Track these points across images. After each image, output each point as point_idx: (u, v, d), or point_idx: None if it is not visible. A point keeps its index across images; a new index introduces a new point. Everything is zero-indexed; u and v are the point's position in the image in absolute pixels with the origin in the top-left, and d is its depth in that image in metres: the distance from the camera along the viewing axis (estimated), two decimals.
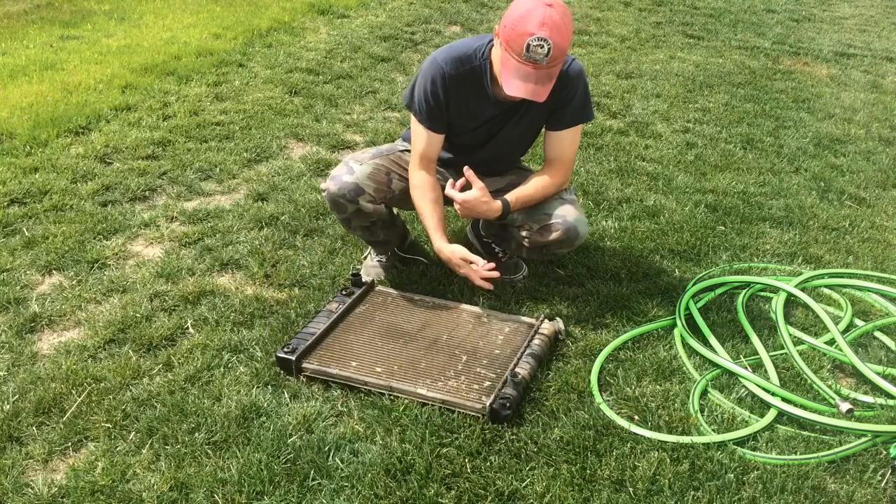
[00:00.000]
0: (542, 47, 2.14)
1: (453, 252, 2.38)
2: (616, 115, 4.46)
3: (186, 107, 4.35)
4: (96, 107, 4.30)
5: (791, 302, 2.64)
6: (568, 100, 2.42)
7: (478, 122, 2.48)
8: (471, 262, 2.35)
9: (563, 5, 2.20)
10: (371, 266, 2.77)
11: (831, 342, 2.41)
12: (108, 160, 3.71)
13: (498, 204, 2.41)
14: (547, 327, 2.40)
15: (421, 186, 2.46)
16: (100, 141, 3.87)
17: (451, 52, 2.40)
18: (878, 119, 4.57)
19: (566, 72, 2.38)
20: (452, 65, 2.37)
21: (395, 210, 2.72)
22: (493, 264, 2.35)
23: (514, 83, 2.20)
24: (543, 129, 2.54)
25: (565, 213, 2.46)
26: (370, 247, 2.80)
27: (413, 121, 2.48)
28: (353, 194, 2.45)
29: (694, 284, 2.69)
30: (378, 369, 2.23)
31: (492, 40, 2.38)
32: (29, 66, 5.01)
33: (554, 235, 2.46)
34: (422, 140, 2.46)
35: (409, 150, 2.63)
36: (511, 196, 2.44)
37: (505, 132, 2.51)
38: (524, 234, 2.54)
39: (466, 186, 2.40)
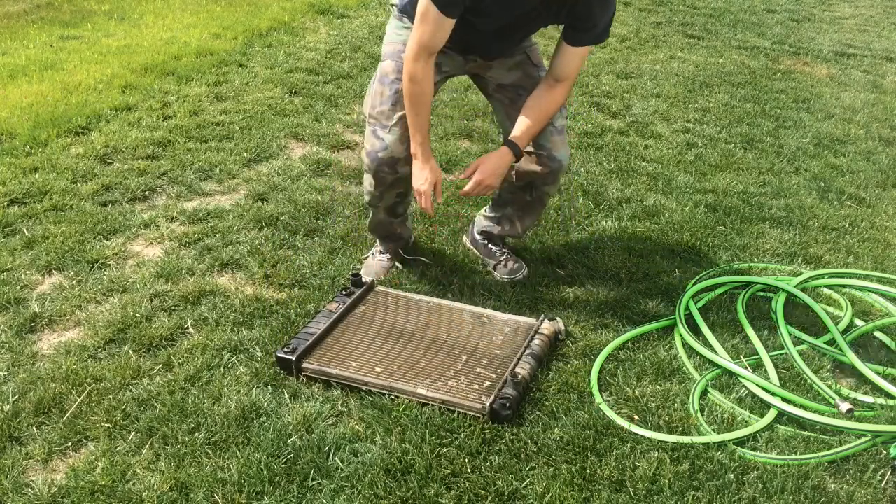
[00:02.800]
0: None
1: (436, 174, 2.37)
2: (616, 115, 4.46)
3: (186, 107, 4.34)
4: (96, 107, 4.30)
5: (791, 302, 2.64)
6: (597, 20, 2.25)
7: (513, 10, 2.23)
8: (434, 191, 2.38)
9: None
10: (371, 266, 2.78)
11: (831, 342, 2.41)
12: (108, 160, 3.71)
13: (505, 150, 2.40)
14: (547, 327, 2.40)
15: (421, 83, 2.25)
16: (100, 141, 3.87)
17: None
18: (878, 119, 4.56)
19: None
20: None
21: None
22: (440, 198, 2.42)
23: None
24: (559, 41, 2.35)
25: (552, 146, 2.50)
26: (378, 243, 2.80)
27: (420, 10, 2.16)
28: (391, 164, 2.43)
29: (694, 284, 2.69)
30: (378, 369, 2.23)
31: None
32: (29, 66, 5.01)
33: (539, 168, 2.51)
34: (432, 27, 2.16)
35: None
36: (515, 136, 2.40)
37: (529, 21, 2.32)
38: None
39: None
